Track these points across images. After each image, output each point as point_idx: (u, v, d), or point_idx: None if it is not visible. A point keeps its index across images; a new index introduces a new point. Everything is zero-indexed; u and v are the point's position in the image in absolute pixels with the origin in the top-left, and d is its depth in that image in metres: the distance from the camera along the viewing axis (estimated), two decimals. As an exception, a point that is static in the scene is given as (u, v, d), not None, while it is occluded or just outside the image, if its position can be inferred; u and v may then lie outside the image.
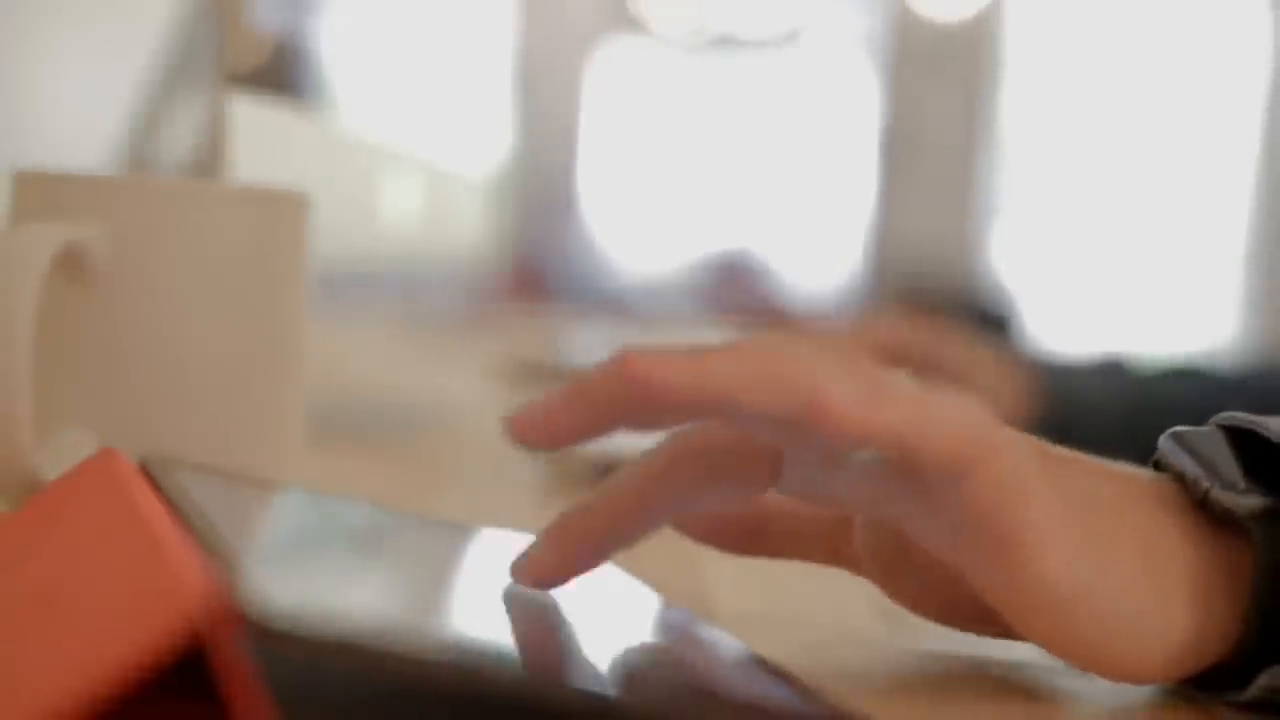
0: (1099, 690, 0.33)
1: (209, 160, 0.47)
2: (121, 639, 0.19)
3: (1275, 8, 4.44)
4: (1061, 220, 4.72)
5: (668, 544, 0.46)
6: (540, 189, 4.98)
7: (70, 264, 0.38)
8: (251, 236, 0.40)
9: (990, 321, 3.86)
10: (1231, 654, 0.31)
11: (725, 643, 0.29)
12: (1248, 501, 0.30)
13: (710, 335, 1.50)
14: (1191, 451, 0.31)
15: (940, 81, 4.70)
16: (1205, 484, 0.30)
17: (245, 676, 0.19)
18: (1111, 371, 0.75)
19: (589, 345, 1.24)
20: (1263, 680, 0.30)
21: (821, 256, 4.93)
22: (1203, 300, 4.60)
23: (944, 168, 4.72)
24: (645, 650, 0.26)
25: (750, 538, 0.34)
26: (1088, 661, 0.30)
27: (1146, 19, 4.62)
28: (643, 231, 5.10)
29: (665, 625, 0.30)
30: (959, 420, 0.28)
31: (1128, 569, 0.30)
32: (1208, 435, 0.32)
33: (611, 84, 5.07)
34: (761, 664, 0.28)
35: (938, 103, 4.71)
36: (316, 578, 0.23)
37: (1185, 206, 4.64)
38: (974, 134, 4.71)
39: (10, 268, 0.35)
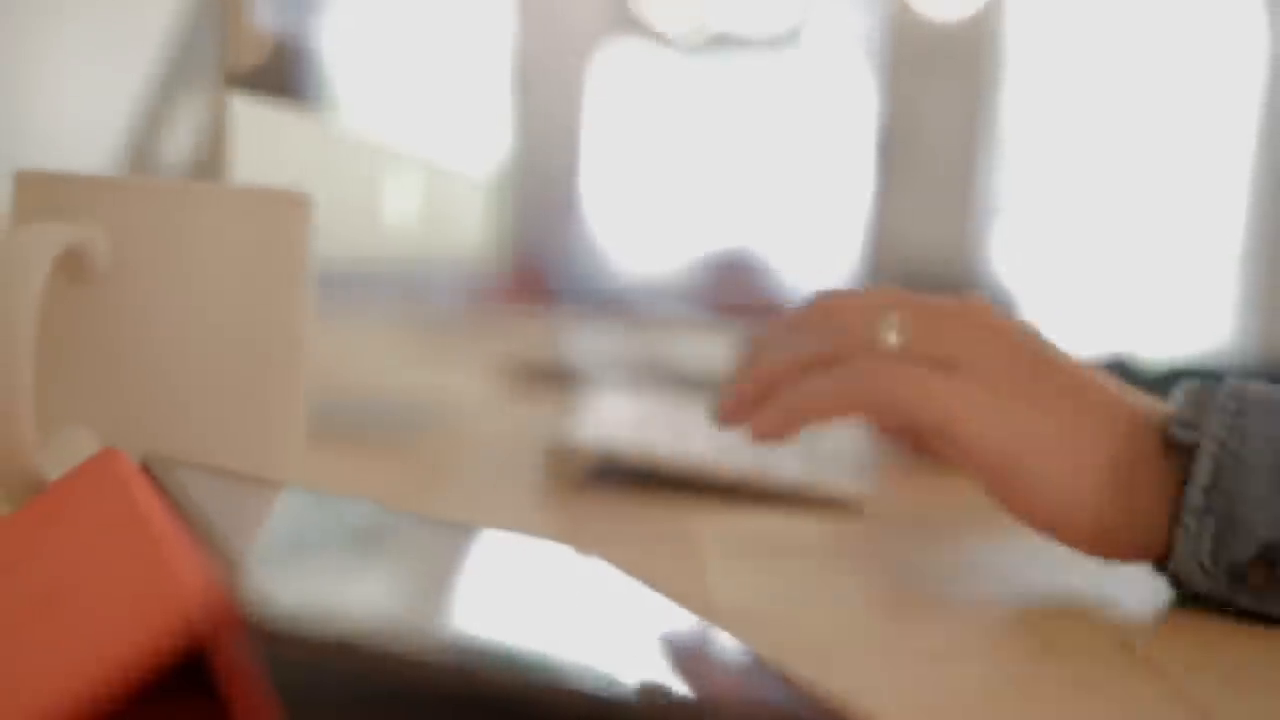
0: (1097, 688, 0.33)
1: (210, 161, 0.47)
2: (122, 640, 0.19)
3: (1270, 9, 4.44)
4: (1061, 220, 4.72)
5: (668, 544, 0.46)
6: (541, 189, 4.98)
7: (72, 265, 0.38)
8: (253, 237, 0.40)
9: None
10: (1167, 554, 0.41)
11: (725, 643, 0.29)
12: (1186, 435, 0.40)
13: (710, 336, 1.50)
14: (1185, 397, 0.41)
15: (940, 81, 4.70)
16: (1167, 419, 0.41)
17: (246, 677, 0.19)
18: (1115, 373, 0.75)
19: (589, 345, 1.24)
20: (1171, 566, 0.40)
21: (821, 255, 4.94)
22: (1201, 302, 4.60)
23: (944, 167, 4.72)
24: (645, 650, 0.26)
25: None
26: (1029, 517, 0.42)
27: (1145, 19, 4.62)
28: (643, 231, 5.10)
29: (665, 625, 0.30)
30: (825, 386, 0.43)
31: (1062, 455, 0.41)
32: (1202, 387, 0.41)
33: (612, 84, 5.07)
34: (761, 664, 0.28)
35: (937, 102, 4.70)
36: (318, 577, 0.23)
37: (1183, 208, 4.64)
38: (974, 133, 4.71)
39: (12, 269, 0.35)
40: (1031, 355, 0.42)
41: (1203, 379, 0.76)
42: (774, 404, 0.44)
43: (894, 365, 0.42)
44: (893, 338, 0.43)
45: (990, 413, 0.41)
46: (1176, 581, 0.40)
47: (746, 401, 0.46)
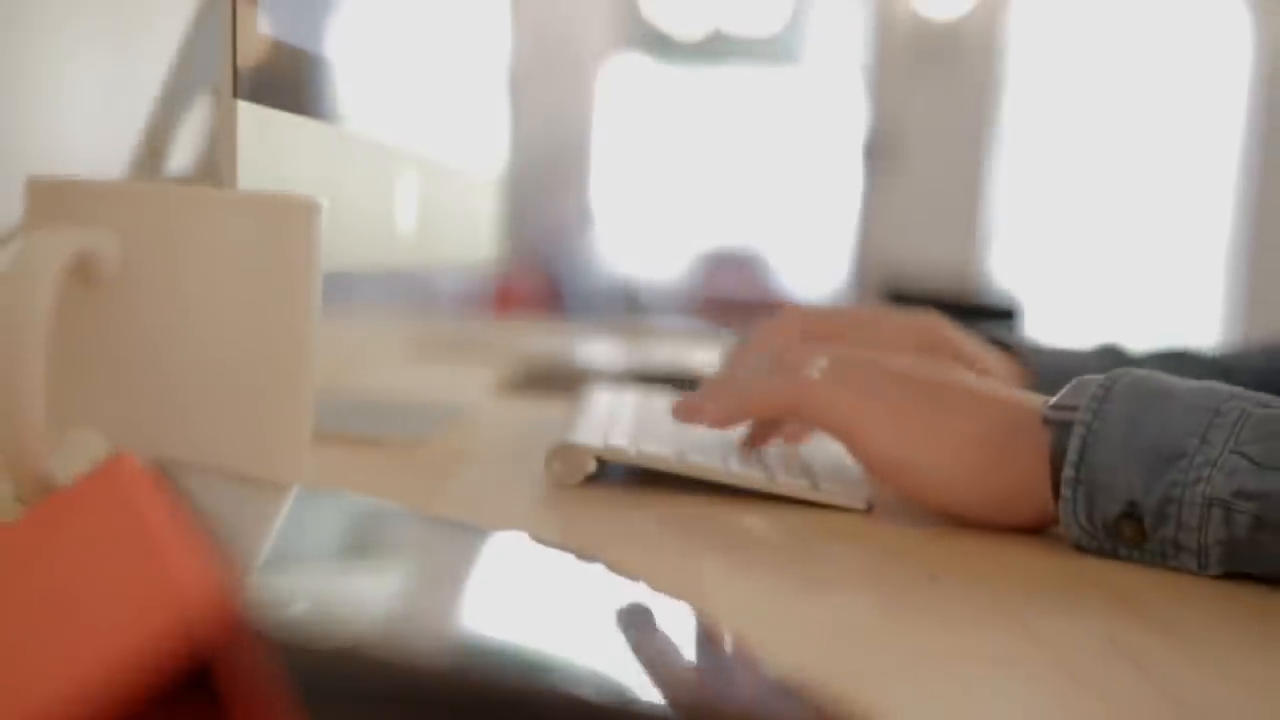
0: (1088, 685, 0.34)
1: (219, 166, 0.48)
2: (123, 646, 0.20)
3: (1254, 13, 4.45)
4: (1054, 218, 4.73)
5: (668, 543, 0.47)
6: (545, 193, 4.98)
7: (83, 270, 0.39)
8: (261, 241, 0.40)
9: (993, 317, 3.86)
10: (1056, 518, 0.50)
11: (724, 642, 0.30)
12: (1057, 415, 0.49)
13: (709, 342, 1.50)
14: (1072, 386, 0.50)
15: (935, 80, 4.70)
16: (1046, 406, 0.50)
17: (251, 684, 0.19)
18: (1109, 358, 0.76)
19: (591, 347, 1.24)
20: (1061, 528, 0.49)
21: (817, 254, 4.94)
22: (1191, 298, 4.62)
23: (938, 166, 4.71)
24: (645, 651, 0.27)
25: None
26: (923, 498, 0.52)
27: (1136, 26, 4.63)
28: (647, 235, 5.11)
29: (665, 625, 0.30)
30: (767, 389, 0.54)
31: (939, 445, 0.51)
32: (1088, 379, 0.49)
33: (617, 90, 5.07)
34: (759, 664, 0.28)
35: (933, 102, 4.70)
36: (325, 582, 0.24)
37: (1175, 207, 4.66)
38: (968, 132, 4.71)
39: (24, 274, 0.36)
40: (925, 378, 0.53)
41: (1179, 360, 0.78)
42: (725, 396, 0.56)
43: (818, 380, 0.53)
44: (817, 370, 0.54)
45: (881, 421, 0.52)
46: (1070, 542, 0.49)
47: (705, 407, 0.57)
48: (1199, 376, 0.76)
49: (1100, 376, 0.50)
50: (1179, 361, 0.77)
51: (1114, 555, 0.48)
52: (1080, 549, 0.49)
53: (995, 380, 0.54)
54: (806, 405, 0.53)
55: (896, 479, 0.52)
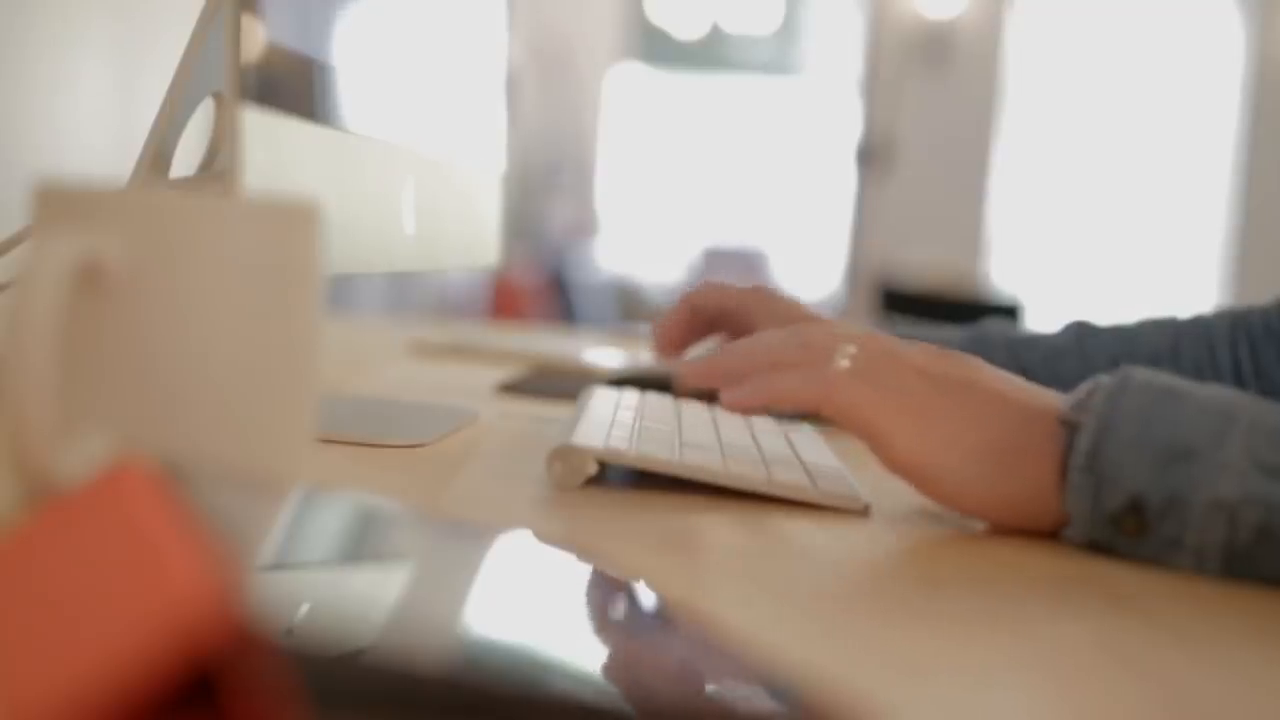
0: (1082, 690, 0.34)
1: (223, 172, 0.48)
2: (123, 650, 0.20)
3: (1245, 18, 4.46)
4: (1054, 217, 4.73)
5: (667, 544, 0.47)
6: (548, 197, 4.98)
7: (88, 275, 0.39)
8: (265, 247, 0.41)
9: (994, 315, 3.85)
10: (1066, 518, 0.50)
11: (722, 642, 0.30)
12: (1074, 414, 0.50)
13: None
14: (1087, 386, 0.51)
15: (935, 81, 4.70)
16: (1063, 405, 0.51)
17: (252, 687, 0.19)
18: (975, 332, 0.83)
19: (594, 350, 1.25)
20: (1065, 512, 0.50)
21: (818, 252, 4.94)
22: (1186, 296, 4.63)
23: (941, 165, 4.71)
24: (642, 652, 0.27)
25: None
26: (943, 501, 0.52)
27: (1132, 27, 4.63)
28: (648, 238, 5.11)
29: (663, 625, 0.30)
30: (792, 385, 0.53)
31: (955, 448, 0.51)
32: (1102, 378, 0.50)
33: (618, 94, 5.07)
34: (757, 664, 0.28)
35: (931, 102, 4.70)
36: (328, 584, 0.24)
37: (1172, 207, 4.67)
38: (969, 132, 4.71)
39: (31, 279, 0.36)
40: (949, 374, 0.53)
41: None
42: (750, 384, 0.54)
43: (845, 378, 0.53)
44: (845, 363, 0.53)
45: (904, 424, 0.52)
46: (1073, 535, 0.50)
47: (717, 375, 0.56)
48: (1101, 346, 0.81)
49: (1111, 376, 0.50)
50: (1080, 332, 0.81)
51: (1112, 548, 0.49)
52: (1080, 540, 0.50)
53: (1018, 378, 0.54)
54: (831, 405, 0.53)
55: (917, 481, 0.52)
